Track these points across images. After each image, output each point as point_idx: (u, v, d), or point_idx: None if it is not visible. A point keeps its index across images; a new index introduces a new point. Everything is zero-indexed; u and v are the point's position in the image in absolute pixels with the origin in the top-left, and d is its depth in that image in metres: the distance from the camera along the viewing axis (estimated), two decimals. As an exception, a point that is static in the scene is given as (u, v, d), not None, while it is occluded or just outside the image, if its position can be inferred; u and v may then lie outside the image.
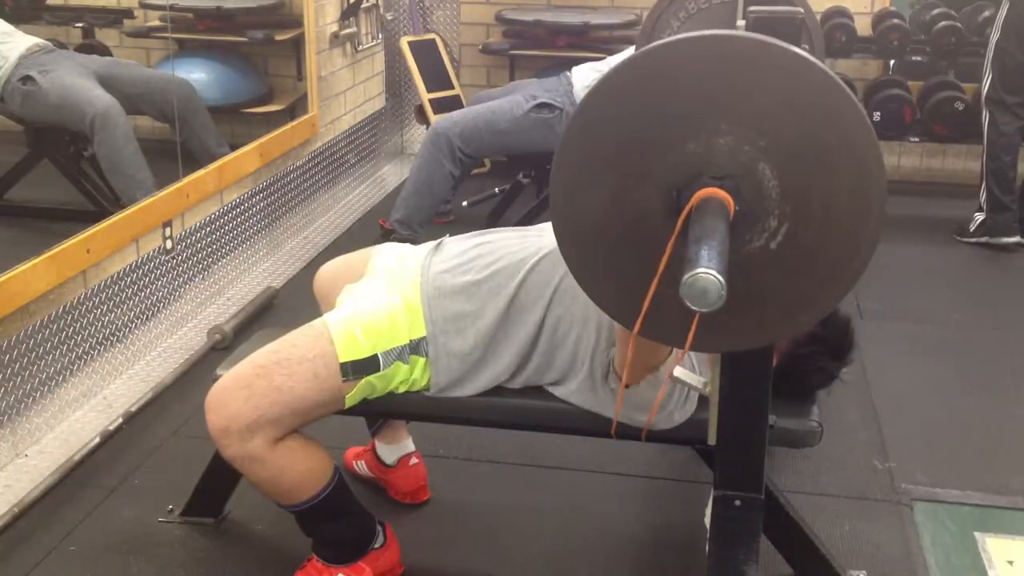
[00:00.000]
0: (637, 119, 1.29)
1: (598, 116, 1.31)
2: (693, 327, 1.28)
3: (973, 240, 4.25)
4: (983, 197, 4.23)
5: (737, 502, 1.70)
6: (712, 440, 1.70)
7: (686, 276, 1.11)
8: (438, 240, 2.11)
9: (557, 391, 1.96)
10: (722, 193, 1.25)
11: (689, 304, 1.13)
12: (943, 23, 4.68)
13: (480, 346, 1.93)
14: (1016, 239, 4.18)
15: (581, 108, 1.32)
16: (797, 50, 1.24)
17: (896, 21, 4.75)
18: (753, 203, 1.27)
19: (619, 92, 1.30)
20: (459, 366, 1.94)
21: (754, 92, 1.25)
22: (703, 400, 1.75)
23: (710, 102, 1.26)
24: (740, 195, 1.26)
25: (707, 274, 1.11)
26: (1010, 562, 2.24)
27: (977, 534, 2.33)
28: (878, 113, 4.72)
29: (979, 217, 4.26)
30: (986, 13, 4.62)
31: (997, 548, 2.28)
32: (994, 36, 4.21)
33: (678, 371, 1.75)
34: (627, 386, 1.79)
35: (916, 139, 4.80)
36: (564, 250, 1.40)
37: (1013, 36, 4.13)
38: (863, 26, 4.86)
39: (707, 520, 1.81)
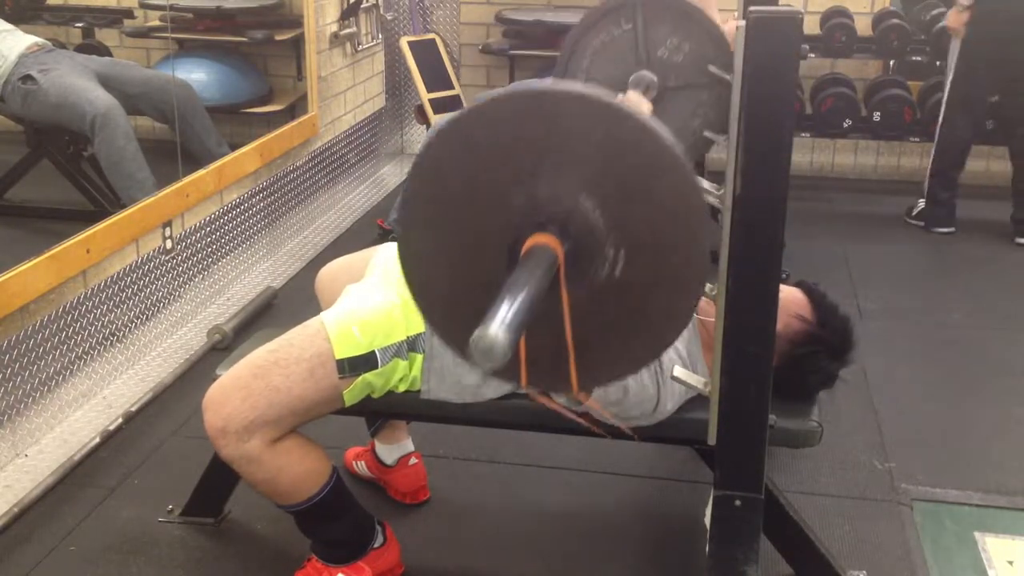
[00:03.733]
0: (463, 182, 1.34)
1: (428, 185, 1.37)
2: (523, 362, 1.32)
3: (912, 223, 4.49)
4: (926, 189, 4.46)
5: (737, 502, 1.70)
6: (712, 440, 1.70)
7: (473, 336, 1.12)
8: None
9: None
10: (546, 238, 1.29)
11: (476, 362, 1.14)
12: (943, 23, 4.68)
13: None
14: (951, 230, 4.39)
15: (411, 178, 1.37)
16: (594, 93, 1.29)
17: (896, 21, 4.75)
18: (585, 238, 1.31)
19: (443, 158, 1.35)
20: (455, 375, 1.93)
21: (561, 138, 1.30)
22: (703, 400, 1.75)
23: (524, 154, 1.31)
24: (569, 234, 1.30)
25: (490, 334, 1.11)
26: (1010, 562, 2.24)
27: (977, 534, 2.33)
28: (878, 113, 4.73)
29: (920, 204, 4.50)
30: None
31: (997, 548, 2.28)
32: (956, 42, 4.27)
33: (678, 371, 1.76)
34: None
35: (916, 139, 4.81)
36: (427, 318, 1.46)
37: (975, 37, 4.18)
38: (863, 26, 4.86)
39: (707, 520, 1.81)
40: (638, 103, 2.47)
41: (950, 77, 4.32)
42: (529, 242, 1.29)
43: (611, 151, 1.29)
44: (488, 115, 1.32)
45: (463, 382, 1.93)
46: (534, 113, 1.30)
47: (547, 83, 1.31)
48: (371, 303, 1.94)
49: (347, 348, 1.87)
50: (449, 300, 1.42)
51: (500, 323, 1.11)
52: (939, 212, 4.41)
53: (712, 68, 2.71)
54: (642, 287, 1.35)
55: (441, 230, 1.38)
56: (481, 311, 1.17)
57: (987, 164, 5.00)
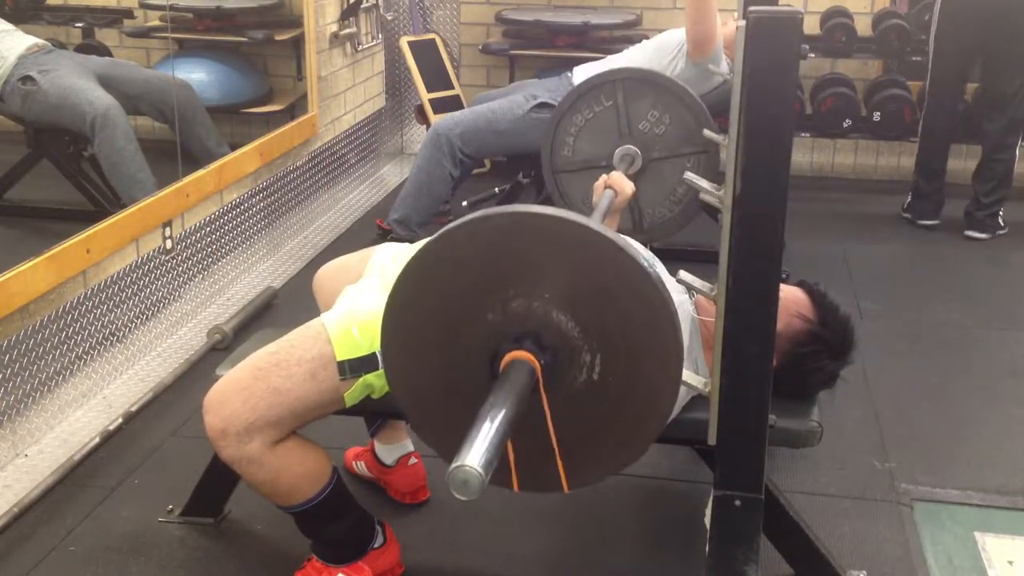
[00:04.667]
0: (441, 302, 1.43)
1: (410, 302, 1.46)
2: (513, 470, 1.41)
3: (904, 215, 4.55)
4: (913, 182, 4.54)
5: (737, 502, 1.70)
6: (712, 440, 1.70)
7: (451, 467, 1.18)
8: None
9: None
10: (522, 353, 1.37)
11: (454, 493, 1.20)
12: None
13: None
14: (934, 222, 4.45)
15: (393, 293, 1.45)
16: (560, 213, 1.38)
17: (896, 21, 4.75)
18: (561, 347, 1.40)
19: (425, 274, 1.44)
20: None
21: (534, 257, 1.39)
22: (703, 400, 1.75)
23: (500, 271, 1.40)
24: (545, 346, 1.39)
25: (467, 468, 1.18)
26: (1010, 562, 2.24)
27: (977, 534, 2.33)
28: (878, 113, 4.73)
29: (908, 198, 4.56)
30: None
31: (997, 548, 2.28)
32: (932, 29, 4.33)
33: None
34: None
35: (916, 139, 4.80)
36: (416, 429, 1.58)
37: (947, 27, 4.24)
38: (863, 26, 4.86)
39: (707, 520, 1.81)
40: (621, 181, 2.53)
41: (929, 71, 4.40)
42: (508, 357, 1.37)
43: (581, 268, 1.38)
44: (459, 239, 1.41)
45: None
46: (506, 235, 1.39)
47: (509, 209, 1.40)
48: (371, 305, 1.94)
49: (348, 350, 1.87)
50: (439, 415, 1.51)
51: (475, 457, 1.17)
52: (923, 205, 4.47)
53: (708, 133, 2.81)
54: (620, 389, 1.43)
55: (424, 345, 1.47)
56: (467, 419, 1.24)
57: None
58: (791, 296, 2.00)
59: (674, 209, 2.96)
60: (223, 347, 3.12)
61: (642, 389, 1.44)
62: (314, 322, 1.94)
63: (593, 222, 1.40)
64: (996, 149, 4.32)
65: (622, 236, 1.42)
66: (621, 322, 1.39)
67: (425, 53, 5.09)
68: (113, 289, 2.97)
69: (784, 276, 1.96)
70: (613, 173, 2.59)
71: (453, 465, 1.17)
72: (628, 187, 2.54)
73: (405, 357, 1.49)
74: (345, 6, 4.53)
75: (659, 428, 1.51)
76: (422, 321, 1.46)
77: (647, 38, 4.01)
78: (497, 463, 1.21)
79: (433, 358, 1.47)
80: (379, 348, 1.87)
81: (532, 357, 1.36)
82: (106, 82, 3.54)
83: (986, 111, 4.38)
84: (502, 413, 1.24)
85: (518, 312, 1.39)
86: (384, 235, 3.92)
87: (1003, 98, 4.27)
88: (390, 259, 2.09)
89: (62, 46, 3.88)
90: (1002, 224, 4.35)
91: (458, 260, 1.41)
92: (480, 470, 1.17)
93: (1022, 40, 4.17)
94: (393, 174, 5.17)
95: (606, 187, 2.53)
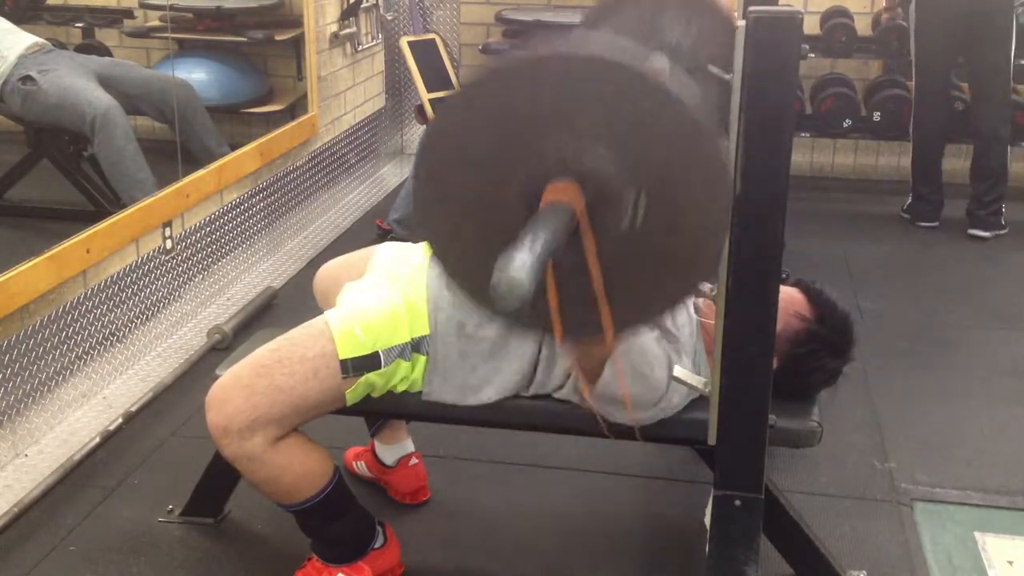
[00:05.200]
0: (481, 138, 1.35)
1: (445, 143, 1.37)
2: (555, 315, 1.31)
3: (904, 216, 4.55)
4: (911, 183, 4.53)
5: (737, 502, 1.70)
6: (712, 440, 1.70)
7: (494, 276, 1.12)
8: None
9: (558, 393, 1.96)
10: (567, 187, 1.29)
11: (499, 302, 1.13)
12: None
13: (483, 359, 1.92)
14: (933, 224, 4.45)
15: (428, 134, 1.38)
16: (607, 53, 1.32)
17: (896, 21, 4.75)
18: (603, 189, 1.32)
19: (460, 115, 1.37)
20: (457, 378, 1.93)
21: (576, 93, 1.31)
22: (703, 400, 1.75)
23: (541, 108, 1.32)
24: (587, 185, 1.31)
25: (511, 274, 1.11)
26: (1010, 562, 2.24)
27: (977, 534, 2.33)
28: (878, 113, 4.73)
29: (908, 199, 4.56)
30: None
31: (997, 548, 2.28)
32: (912, 32, 4.38)
33: (678, 371, 1.76)
34: (590, 384, 1.80)
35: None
36: (447, 274, 1.46)
37: (924, 29, 4.28)
38: (863, 26, 4.86)
39: (707, 520, 1.81)
40: None
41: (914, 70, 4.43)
42: (548, 192, 1.29)
43: (624, 103, 1.30)
44: (505, 74, 1.33)
45: (467, 383, 1.93)
46: (550, 72, 1.31)
47: (562, 45, 1.32)
48: (374, 304, 1.94)
49: (351, 349, 1.87)
50: (470, 257, 1.41)
51: (519, 263, 1.11)
52: (922, 207, 4.47)
53: (712, 68, 2.73)
54: (663, 238, 1.36)
55: (460, 188, 1.38)
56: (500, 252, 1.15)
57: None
58: (788, 296, 2.00)
59: None
60: (223, 347, 3.12)
61: (684, 239, 1.36)
62: (317, 320, 1.94)
63: (639, 62, 1.32)
64: (988, 143, 4.33)
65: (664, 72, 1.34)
66: (664, 157, 1.32)
67: (425, 53, 5.07)
68: (113, 289, 2.97)
69: (784, 276, 1.96)
70: None
71: (496, 276, 1.11)
72: None
73: (439, 200, 1.40)
74: (345, 6, 4.53)
75: (699, 281, 1.45)
76: (461, 160, 1.37)
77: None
78: (539, 274, 1.13)
79: (469, 201, 1.39)
80: (382, 347, 1.88)
81: (575, 191, 1.29)
82: (106, 82, 3.54)
83: (973, 106, 4.41)
84: (544, 232, 1.18)
85: (561, 149, 1.31)
86: (384, 235, 3.92)
87: (988, 92, 4.29)
88: (395, 258, 2.09)
89: (62, 46, 3.88)
90: (1003, 223, 4.35)
91: (497, 98, 1.34)
92: (525, 277, 1.10)
93: (998, 31, 4.18)
94: (393, 174, 5.17)
95: None
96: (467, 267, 1.44)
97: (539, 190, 1.30)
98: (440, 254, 1.45)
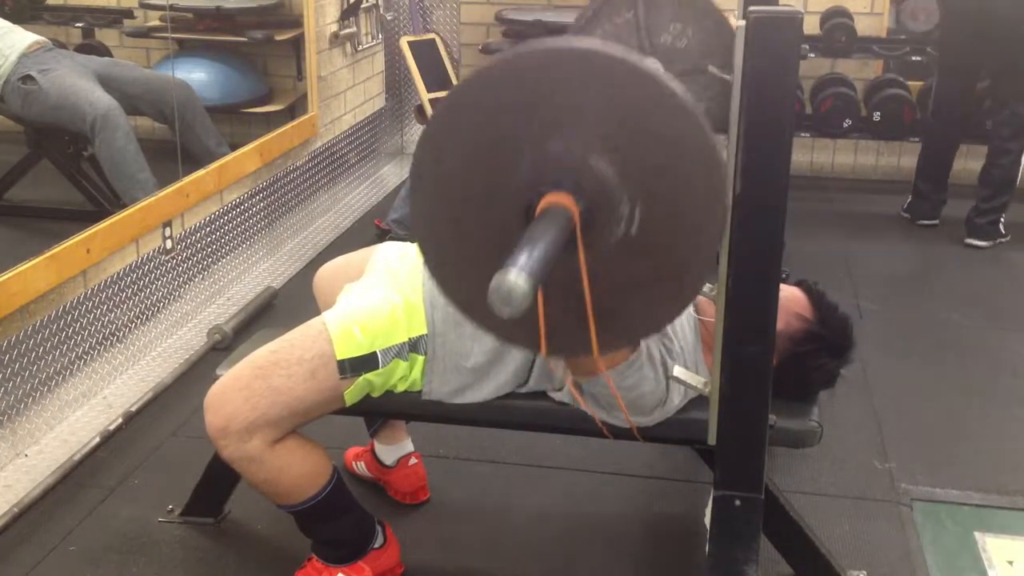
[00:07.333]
0: (474, 143, 1.32)
1: (439, 148, 1.34)
2: (542, 328, 1.28)
3: (904, 215, 4.56)
4: (913, 183, 4.54)
5: (737, 502, 1.70)
6: (712, 440, 1.69)
7: (493, 281, 1.09)
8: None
9: (557, 396, 1.96)
10: (561, 196, 1.26)
11: (496, 309, 1.11)
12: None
13: (482, 354, 1.92)
14: (934, 222, 4.47)
15: (422, 141, 1.34)
16: (602, 49, 1.28)
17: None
18: (599, 196, 1.29)
19: (454, 119, 1.33)
20: (456, 376, 1.93)
21: (571, 96, 1.28)
22: (703, 400, 1.75)
23: (536, 113, 1.29)
24: (583, 192, 1.28)
25: (510, 279, 1.09)
26: (1010, 562, 2.24)
27: (977, 534, 2.33)
28: (878, 113, 4.72)
29: (909, 198, 4.56)
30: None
31: (997, 548, 2.28)
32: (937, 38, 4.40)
33: (678, 371, 1.75)
34: (575, 384, 1.80)
35: (916, 139, 4.80)
36: (440, 285, 1.43)
37: (947, 36, 4.26)
38: (863, 26, 4.86)
39: (707, 520, 1.81)
40: None
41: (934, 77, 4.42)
42: (543, 202, 1.26)
43: (621, 106, 1.28)
44: (498, 75, 1.31)
45: (465, 382, 1.93)
46: (544, 72, 1.29)
47: (556, 41, 1.29)
48: (372, 303, 1.94)
49: (348, 349, 1.87)
50: (463, 265, 1.39)
51: (520, 268, 1.09)
52: (921, 205, 4.49)
53: (712, 68, 2.72)
54: (659, 244, 1.34)
55: (454, 194, 1.36)
56: (497, 263, 1.14)
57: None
58: (790, 296, 2.00)
59: None
60: (223, 347, 3.12)
61: (683, 243, 1.34)
62: (315, 321, 1.94)
63: (636, 57, 1.29)
64: (998, 154, 4.26)
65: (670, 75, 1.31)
66: (661, 164, 1.30)
67: (425, 53, 5.08)
68: (113, 289, 2.97)
69: (784, 276, 1.96)
70: None
71: (495, 280, 1.09)
72: None
73: (434, 208, 1.38)
74: (345, 6, 4.52)
75: (692, 295, 1.42)
76: (454, 166, 1.35)
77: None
78: (539, 282, 1.11)
79: (464, 209, 1.37)
80: (380, 347, 1.88)
81: (571, 200, 1.26)
82: (106, 82, 3.54)
83: (991, 114, 4.35)
84: (543, 239, 1.16)
85: (557, 156, 1.29)
86: (383, 235, 3.92)
87: (1008, 104, 4.22)
88: (395, 258, 2.09)
89: (62, 46, 3.88)
90: (1003, 232, 4.27)
91: (490, 101, 1.31)
92: (523, 279, 1.08)
93: (1021, 40, 4.12)
94: (393, 174, 5.17)
95: None
96: (461, 278, 1.42)
97: (535, 198, 1.28)
98: (434, 264, 1.43)
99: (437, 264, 1.43)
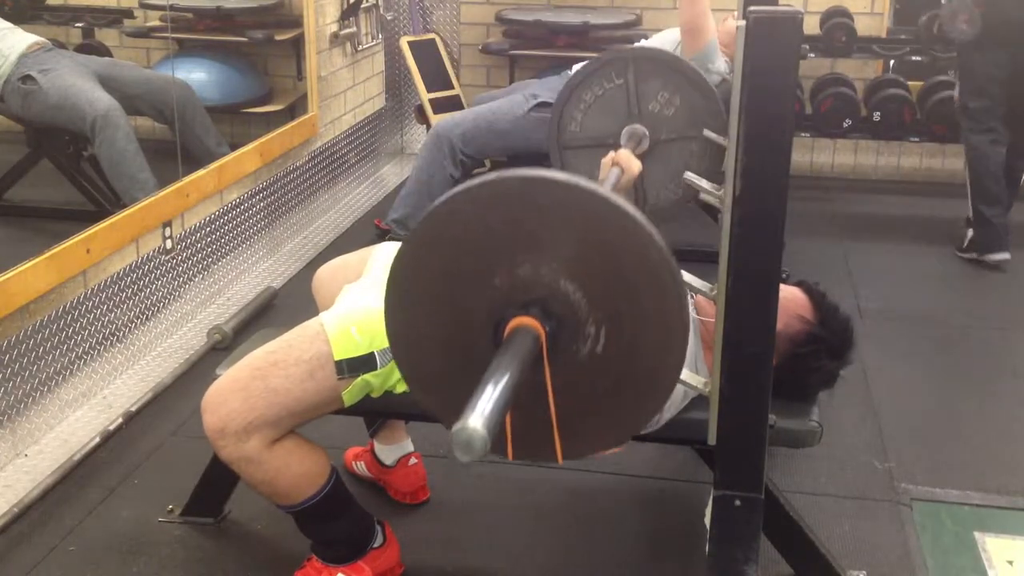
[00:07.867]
0: (447, 265, 1.39)
1: (415, 265, 1.41)
2: (509, 438, 1.34)
3: (966, 256, 4.09)
4: (970, 211, 4.07)
5: (737, 502, 1.70)
6: (712, 440, 1.69)
7: (455, 428, 1.14)
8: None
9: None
10: (528, 320, 1.32)
11: (457, 454, 1.15)
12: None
13: None
14: (1004, 256, 3.98)
15: (398, 258, 1.41)
16: (572, 179, 1.33)
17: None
18: (567, 317, 1.35)
19: (429, 239, 1.39)
20: None
21: (541, 222, 1.33)
22: (703, 400, 1.75)
23: (507, 237, 1.35)
24: (551, 314, 1.34)
25: (471, 428, 1.12)
26: (1010, 562, 2.24)
27: (977, 534, 2.33)
28: (878, 113, 4.72)
29: (969, 233, 4.09)
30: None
31: (997, 548, 2.28)
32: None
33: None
34: None
35: (916, 139, 4.81)
36: (416, 395, 1.51)
37: (975, 41, 4.00)
38: (863, 26, 4.86)
39: (707, 520, 1.81)
40: (628, 159, 2.51)
41: (957, 86, 4.18)
42: (512, 323, 1.32)
43: (589, 235, 1.33)
44: (472, 199, 1.36)
45: None
46: (515, 199, 1.35)
47: (526, 171, 1.35)
48: (370, 304, 1.94)
49: (346, 349, 1.87)
50: (438, 377, 1.46)
51: (479, 417, 1.13)
52: (989, 235, 4.00)
53: (707, 133, 2.76)
54: (623, 360, 1.39)
55: (428, 310, 1.43)
56: (469, 386, 1.19)
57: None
58: (791, 296, 2.00)
59: (678, 192, 2.92)
60: (223, 347, 3.12)
61: (643, 369, 1.40)
62: (312, 321, 1.94)
63: (606, 190, 1.35)
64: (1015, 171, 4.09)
65: (630, 202, 1.37)
66: (626, 288, 1.35)
67: (425, 53, 5.08)
68: (113, 289, 2.97)
69: (784, 276, 1.96)
70: (620, 151, 2.58)
71: (456, 426, 1.13)
72: (635, 166, 2.53)
73: (408, 321, 1.45)
74: (345, 6, 4.53)
75: (655, 410, 1.48)
76: (426, 284, 1.41)
77: (646, 38, 4.01)
78: (497, 430, 1.16)
79: (436, 323, 1.43)
80: (378, 347, 1.88)
81: (538, 324, 1.32)
82: (106, 82, 3.54)
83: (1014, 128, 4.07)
84: (506, 377, 1.21)
85: (526, 279, 1.35)
86: (383, 235, 3.93)
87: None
88: (391, 258, 2.09)
89: (62, 46, 3.88)
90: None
91: (466, 222, 1.36)
92: (484, 431, 1.12)
93: None
94: (393, 174, 5.17)
95: (613, 164, 2.53)
96: (432, 390, 1.49)
97: (505, 319, 1.33)
98: (408, 375, 1.51)
99: (411, 376, 1.51)
